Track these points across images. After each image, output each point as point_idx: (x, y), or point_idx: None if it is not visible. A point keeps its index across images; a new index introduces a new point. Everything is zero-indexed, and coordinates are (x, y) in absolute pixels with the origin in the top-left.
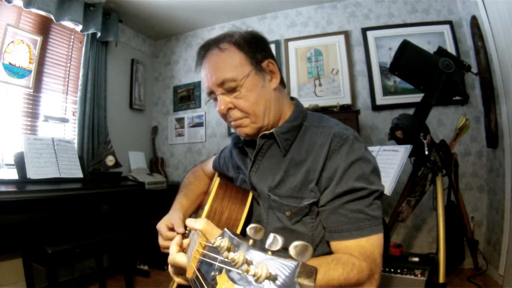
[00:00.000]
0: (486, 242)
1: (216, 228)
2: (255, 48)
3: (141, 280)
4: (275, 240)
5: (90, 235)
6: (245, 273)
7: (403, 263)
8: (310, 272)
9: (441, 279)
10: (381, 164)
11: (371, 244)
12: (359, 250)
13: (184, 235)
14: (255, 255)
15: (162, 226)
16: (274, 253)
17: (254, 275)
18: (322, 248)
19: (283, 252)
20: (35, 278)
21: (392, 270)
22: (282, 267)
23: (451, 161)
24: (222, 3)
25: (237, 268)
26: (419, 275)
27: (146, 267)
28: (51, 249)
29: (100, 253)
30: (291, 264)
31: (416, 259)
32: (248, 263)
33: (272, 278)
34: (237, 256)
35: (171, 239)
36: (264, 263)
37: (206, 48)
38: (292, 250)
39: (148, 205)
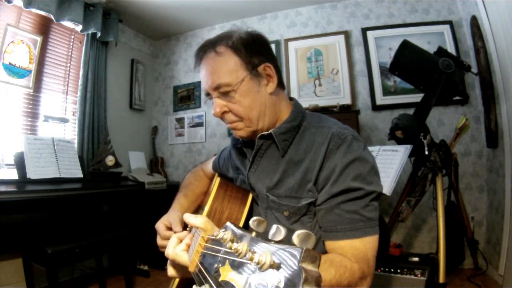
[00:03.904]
0: (486, 242)
1: (216, 228)
2: (252, 51)
3: (141, 280)
4: (278, 231)
5: (90, 235)
6: (249, 261)
7: (403, 263)
8: (314, 258)
9: (441, 279)
10: (381, 164)
11: (364, 245)
12: (353, 252)
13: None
14: (258, 245)
15: (160, 225)
16: (277, 243)
17: (258, 263)
18: (320, 248)
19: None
20: (35, 278)
21: (392, 270)
22: (285, 255)
23: (451, 161)
24: (222, 3)
25: (240, 258)
26: (419, 275)
27: (146, 267)
28: (51, 249)
29: (100, 253)
30: (295, 250)
31: (416, 259)
32: (252, 252)
33: (276, 266)
34: (241, 246)
35: (168, 239)
36: (267, 251)
37: (204, 50)
38: (295, 238)
39: (148, 205)
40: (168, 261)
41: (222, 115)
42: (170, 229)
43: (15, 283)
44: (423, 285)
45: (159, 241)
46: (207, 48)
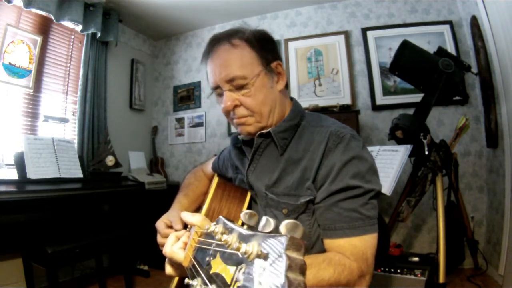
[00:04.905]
0: (486, 242)
1: None
2: (266, 48)
3: (141, 280)
4: (267, 222)
5: (90, 235)
6: (237, 251)
7: (403, 263)
8: (298, 246)
9: (441, 279)
10: (381, 164)
11: (364, 244)
12: (351, 250)
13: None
14: (247, 237)
15: (160, 223)
16: (267, 234)
17: (245, 253)
18: (319, 246)
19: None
20: (35, 278)
21: (392, 270)
22: (272, 244)
23: (451, 161)
24: (222, 3)
25: (230, 250)
26: (419, 275)
27: (146, 267)
28: (51, 249)
29: (100, 253)
30: (280, 239)
31: (416, 259)
32: (239, 243)
33: (263, 256)
34: (230, 237)
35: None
36: (255, 241)
37: (216, 42)
38: (283, 227)
39: (148, 205)
40: (166, 260)
41: (232, 109)
42: (170, 227)
43: (15, 283)
44: (423, 285)
45: (160, 239)
46: (220, 40)
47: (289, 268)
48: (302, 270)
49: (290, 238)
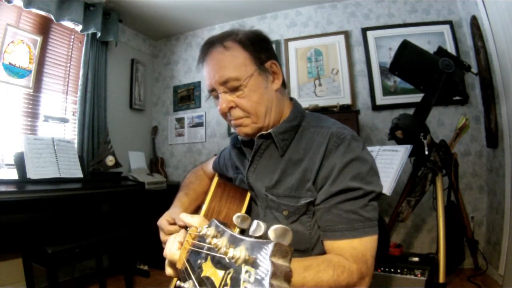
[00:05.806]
0: (486, 242)
1: None
2: (259, 48)
3: (141, 280)
4: (258, 227)
5: (90, 235)
6: (224, 256)
7: (403, 263)
8: (285, 252)
9: (441, 279)
10: (381, 164)
11: (363, 245)
12: (351, 252)
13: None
14: (237, 241)
15: (163, 221)
16: (257, 238)
17: (232, 258)
18: (319, 247)
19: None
20: (35, 278)
21: (392, 270)
22: (260, 250)
23: (451, 161)
24: (222, 3)
25: (219, 253)
26: (419, 275)
27: (146, 267)
28: (51, 249)
29: (100, 253)
30: (267, 245)
31: (416, 259)
32: (227, 247)
33: (251, 261)
34: (220, 241)
35: (172, 234)
36: (243, 246)
37: (210, 45)
38: (271, 233)
39: (148, 205)
40: (166, 261)
41: (228, 111)
42: (173, 224)
43: (15, 283)
44: (423, 285)
45: (163, 237)
46: (213, 43)
47: (274, 275)
48: (287, 277)
49: (276, 245)
